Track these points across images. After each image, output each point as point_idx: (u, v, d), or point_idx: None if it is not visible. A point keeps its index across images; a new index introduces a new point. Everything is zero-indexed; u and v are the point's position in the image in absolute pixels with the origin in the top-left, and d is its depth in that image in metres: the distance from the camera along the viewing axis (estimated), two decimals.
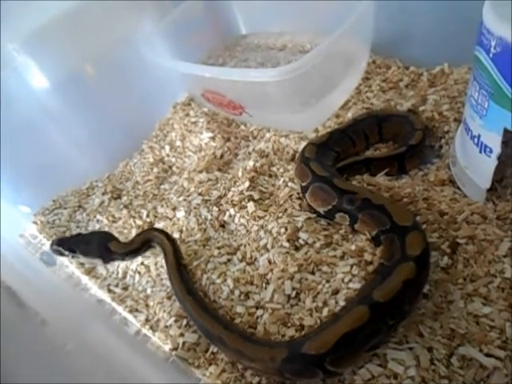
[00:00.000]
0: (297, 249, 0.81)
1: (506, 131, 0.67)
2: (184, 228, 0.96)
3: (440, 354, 0.60)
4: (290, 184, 0.93)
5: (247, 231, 0.89)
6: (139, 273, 0.94)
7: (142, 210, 1.08)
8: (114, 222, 1.10)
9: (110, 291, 0.94)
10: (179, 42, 1.38)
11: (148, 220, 1.05)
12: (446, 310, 0.66)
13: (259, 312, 0.74)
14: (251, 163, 1.01)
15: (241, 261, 0.85)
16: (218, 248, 0.89)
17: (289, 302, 0.73)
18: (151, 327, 0.83)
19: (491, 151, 0.72)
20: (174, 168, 1.23)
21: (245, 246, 0.87)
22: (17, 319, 0.64)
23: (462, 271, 0.70)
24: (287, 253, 0.79)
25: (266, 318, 0.71)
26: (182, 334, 0.77)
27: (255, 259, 0.83)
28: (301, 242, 0.81)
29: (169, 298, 0.85)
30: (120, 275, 0.96)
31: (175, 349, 0.76)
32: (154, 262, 0.93)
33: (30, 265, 1.03)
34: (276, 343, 0.67)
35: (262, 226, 0.87)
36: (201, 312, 0.73)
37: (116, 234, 1.05)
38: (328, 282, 0.72)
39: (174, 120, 1.33)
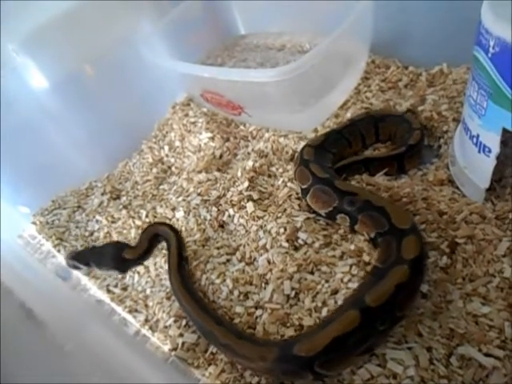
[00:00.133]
0: (296, 249, 0.81)
1: (504, 131, 0.67)
2: (183, 228, 0.96)
3: (439, 354, 0.60)
4: (289, 184, 0.93)
5: (246, 231, 0.89)
6: (138, 273, 0.94)
7: (141, 211, 1.08)
8: (113, 222, 1.10)
9: (109, 291, 0.94)
10: (178, 42, 1.38)
11: (147, 220, 1.05)
12: (445, 309, 0.66)
13: (258, 312, 0.74)
14: (250, 163, 1.01)
15: (240, 261, 0.85)
16: (217, 248, 0.89)
17: (288, 302, 0.73)
18: (150, 327, 0.83)
19: (490, 151, 0.72)
20: (173, 168, 1.23)
21: (244, 246, 0.87)
22: (16, 320, 0.64)
23: (460, 271, 0.70)
24: (286, 253, 0.79)
25: (265, 318, 0.72)
26: (181, 335, 0.77)
27: (254, 259, 0.84)
28: (300, 242, 0.81)
29: (168, 298, 0.85)
30: (119, 275, 0.96)
31: (174, 349, 0.76)
32: (154, 262, 0.93)
33: (29, 265, 1.03)
34: (268, 342, 0.67)
35: (261, 226, 0.87)
36: (194, 306, 0.74)
37: (115, 235, 1.06)
38: (327, 281, 0.72)
39: (173, 120, 1.33)
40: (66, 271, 0.96)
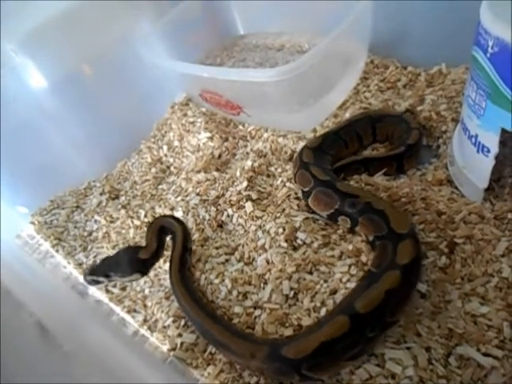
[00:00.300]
0: (295, 249, 0.81)
1: (503, 131, 0.67)
2: None
3: (438, 354, 0.60)
4: (287, 184, 0.93)
5: (245, 231, 0.89)
6: None
7: (140, 210, 1.08)
8: (111, 222, 1.09)
9: (107, 291, 0.93)
10: (177, 42, 1.38)
11: (146, 220, 1.05)
12: (443, 309, 0.66)
13: (257, 312, 0.74)
14: (249, 163, 1.01)
15: (239, 261, 0.85)
16: (216, 248, 0.89)
17: (287, 301, 0.73)
18: (149, 328, 0.83)
19: (489, 151, 0.72)
20: (171, 168, 1.23)
21: (243, 246, 0.87)
22: (16, 320, 0.64)
23: (459, 271, 0.70)
24: (285, 253, 0.79)
25: (264, 318, 0.72)
26: (180, 335, 0.77)
27: (253, 259, 0.84)
28: (299, 241, 0.81)
29: (167, 298, 0.85)
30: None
31: (173, 349, 0.76)
32: None
33: (27, 265, 1.03)
34: (260, 340, 0.67)
35: (259, 226, 0.87)
36: (190, 301, 0.74)
37: (114, 235, 1.06)
38: (326, 281, 0.73)
39: (171, 120, 1.33)
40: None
